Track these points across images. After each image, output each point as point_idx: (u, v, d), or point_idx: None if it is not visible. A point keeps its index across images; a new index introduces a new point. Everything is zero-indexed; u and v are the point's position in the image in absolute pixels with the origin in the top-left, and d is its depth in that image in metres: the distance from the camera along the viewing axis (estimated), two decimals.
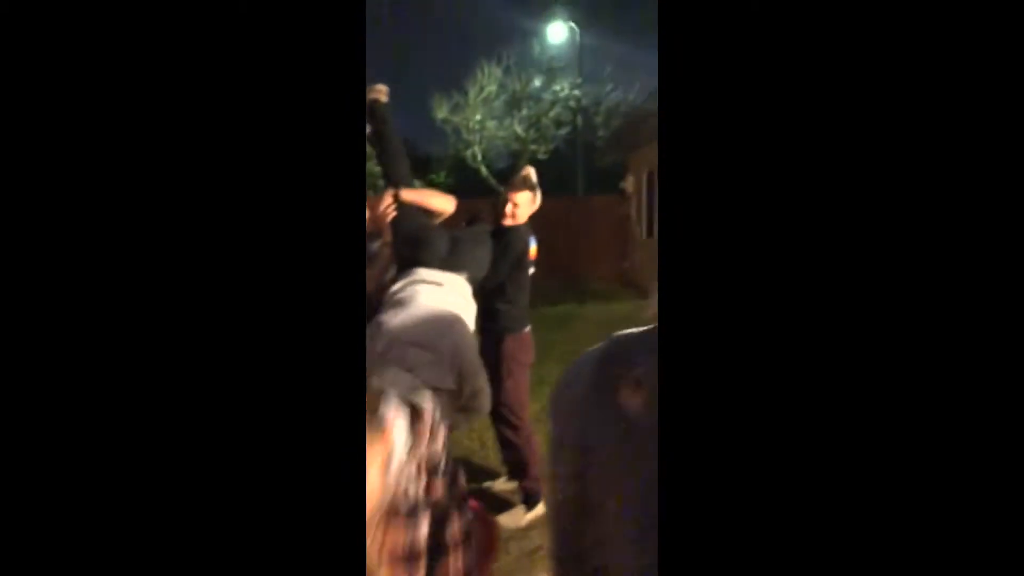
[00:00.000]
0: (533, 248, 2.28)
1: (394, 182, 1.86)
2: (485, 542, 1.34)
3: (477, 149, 11.60)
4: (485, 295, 2.03)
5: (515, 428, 2.14)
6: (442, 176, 12.79)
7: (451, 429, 1.75)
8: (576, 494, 0.46)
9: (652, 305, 0.43)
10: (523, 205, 2.20)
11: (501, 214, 2.19)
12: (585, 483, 0.45)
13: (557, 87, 11.94)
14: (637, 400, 0.41)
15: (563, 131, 12.18)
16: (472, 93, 11.30)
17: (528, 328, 2.24)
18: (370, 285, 2.02)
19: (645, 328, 0.46)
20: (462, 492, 0.72)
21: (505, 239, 2.14)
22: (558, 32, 12.69)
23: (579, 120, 12.11)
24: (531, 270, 2.27)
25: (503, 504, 2.28)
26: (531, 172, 2.26)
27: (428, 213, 1.87)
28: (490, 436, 2.48)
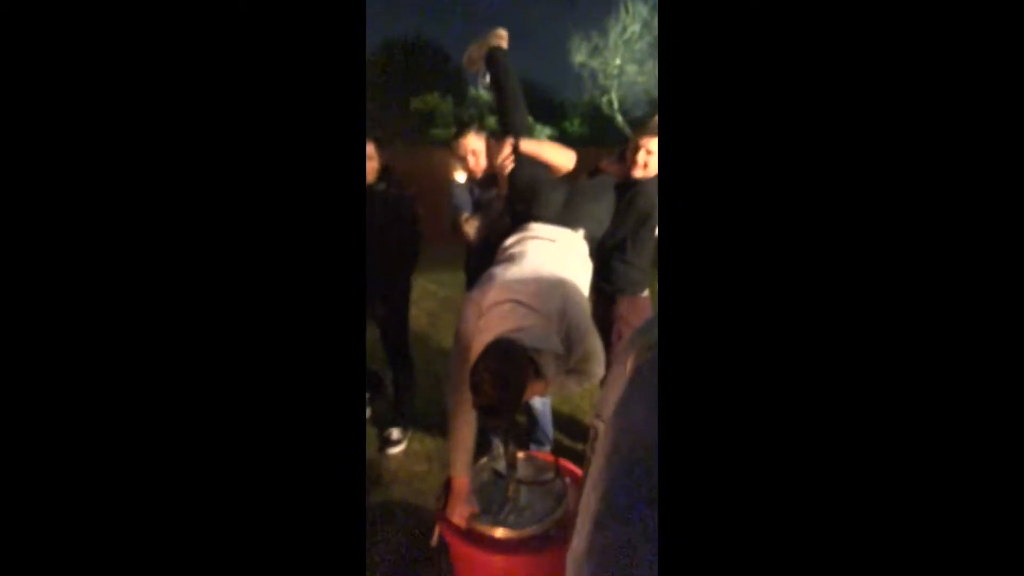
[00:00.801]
0: None
1: (513, 132, 1.77)
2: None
3: (614, 95, 11.03)
4: (602, 253, 1.87)
5: None
6: (575, 124, 12.39)
7: (560, 392, 1.68)
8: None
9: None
10: (656, 153, 1.89)
11: (631, 163, 1.91)
12: (589, 456, 0.43)
13: None
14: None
15: None
16: (613, 34, 10.65)
17: (646, 292, 2.03)
18: (480, 234, 1.99)
19: None
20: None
21: (631, 192, 1.90)
22: None
23: None
24: (657, 229, 2.06)
25: None
26: None
27: (547, 167, 1.76)
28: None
